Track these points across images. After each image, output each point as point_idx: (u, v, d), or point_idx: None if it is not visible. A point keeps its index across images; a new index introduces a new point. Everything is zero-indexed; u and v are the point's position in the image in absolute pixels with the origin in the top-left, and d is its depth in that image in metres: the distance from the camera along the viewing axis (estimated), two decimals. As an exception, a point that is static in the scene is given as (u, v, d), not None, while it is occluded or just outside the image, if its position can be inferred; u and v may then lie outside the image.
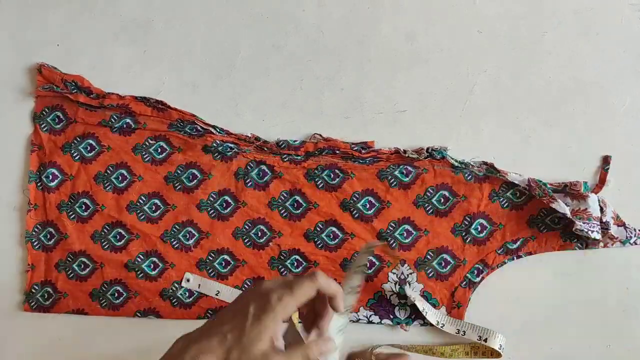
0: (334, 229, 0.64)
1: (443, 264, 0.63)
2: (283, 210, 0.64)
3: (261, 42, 0.67)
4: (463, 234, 0.63)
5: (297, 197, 0.64)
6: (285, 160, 0.65)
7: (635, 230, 0.61)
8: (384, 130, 0.65)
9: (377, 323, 0.63)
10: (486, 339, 0.59)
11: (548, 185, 0.60)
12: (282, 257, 0.64)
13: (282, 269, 0.64)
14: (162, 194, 0.66)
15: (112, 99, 0.66)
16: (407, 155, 0.63)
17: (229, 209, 0.65)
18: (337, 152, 0.64)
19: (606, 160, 0.62)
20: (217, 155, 0.65)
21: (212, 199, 0.65)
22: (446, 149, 0.63)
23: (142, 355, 0.65)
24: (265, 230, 0.64)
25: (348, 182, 0.64)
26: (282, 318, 0.40)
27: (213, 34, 0.67)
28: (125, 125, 0.66)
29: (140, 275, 0.65)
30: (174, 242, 0.65)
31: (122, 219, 0.66)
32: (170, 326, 0.65)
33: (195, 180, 0.65)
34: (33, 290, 0.66)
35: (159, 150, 0.66)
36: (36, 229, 0.66)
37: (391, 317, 0.63)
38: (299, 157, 0.65)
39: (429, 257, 0.63)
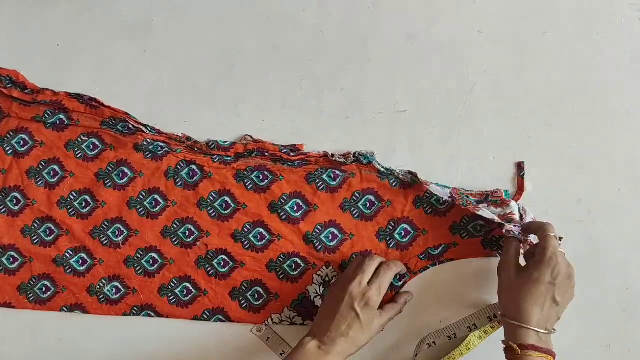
0: (261, 230, 0.64)
1: None
2: (212, 210, 0.65)
3: (261, 42, 0.67)
4: (387, 239, 0.63)
5: (226, 198, 0.65)
6: (215, 160, 0.65)
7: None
8: (384, 130, 0.65)
9: (300, 324, 0.64)
10: (495, 315, 0.60)
11: (470, 197, 0.61)
12: (209, 257, 0.65)
13: (209, 269, 0.65)
14: (92, 190, 0.66)
15: (46, 95, 0.66)
16: (334, 159, 0.64)
17: (158, 207, 0.65)
18: (266, 154, 0.64)
19: (520, 167, 0.63)
20: (148, 154, 0.65)
21: (141, 197, 0.65)
22: (373, 154, 0.63)
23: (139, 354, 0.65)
24: (193, 229, 0.65)
25: (277, 184, 0.64)
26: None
27: (213, 34, 0.67)
28: (58, 121, 0.66)
29: (69, 271, 0.66)
30: (103, 239, 0.66)
31: (53, 214, 0.66)
32: (165, 325, 0.65)
33: (125, 178, 0.66)
34: None
35: (91, 147, 0.66)
36: None
37: (314, 318, 0.63)
38: (229, 158, 0.65)
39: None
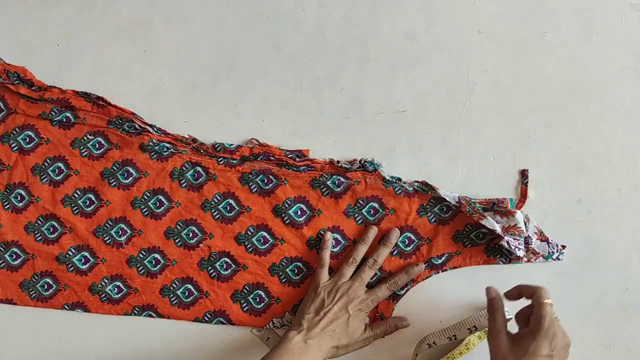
0: (264, 233, 0.64)
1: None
2: (216, 213, 0.65)
3: (261, 42, 0.67)
4: None
5: (231, 200, 0.64)
6: (220, 163, 0.65)
7: (557, 245, 0.61)
8: (384, 130, 0.65)
9: None
10: None
11: (477, 204, 0.61)
12: (212, 259, 0.65)
13: (212, 271, 0.65)
14: (97, 189, 0.66)
15: (53, 93, 0.66)
16: (340, 165, 0.63)
17: (162, 208, 0.65)
18: (272, 158, 0.64)
19: (524, 174, 0.62)
20: (154, 155, 0.65)
21: (146, 197, 0.65)
22: (380, 163, 0.63)
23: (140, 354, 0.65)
24: (196, 231, 0.65)
25: (281, 189, 0.64)
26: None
27: (213, 34, 0.67)
28: (65, 119, 0.66)
29: (71, 269, 0.66)
30: (106, 238, 0.66)
31: (57, 212, 0.66)
32: (166, 326, 0.65)
33: (130, 178, 0.66)
34: None
35: (97, 145, 0.66)
36: None
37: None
38: (234, 161, 0.65)
39: None
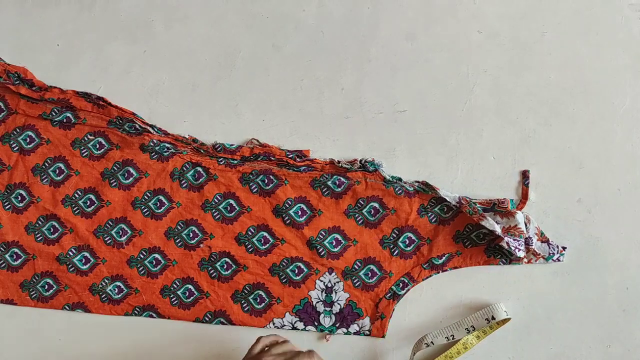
0: (265, 233, 0.64)
1: (370, 275, 0.63)
2: (216, 213, 0.65)
3: (261, 42, 0.67)
4: (391, 247, 0.63)
5: (231, 201, 0.64)
6: (221, 163, 0.65)
7: (557, 247, 0.61)
8: (384, 130, 0.65)
9: (302, 329, 0.63)
10: (493, 316, 0.60)
11: (477, 204, 0.61)
12: (213, 259, 0.65)
13: (212, 271, 0.65)
14: (97, 189, 0.66)
15: (53, 93, 0.66)
16: (340, 165, 0.63)
17: (162, 208, 0.65)
18: (273, 158, 0.64)
19: (525, 175, 0.62)
20: (154, 155, 0.65)
21: (146, 198, 0.65)
22: (380, 163, 0.63)
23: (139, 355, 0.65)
24: (197, 231, 0.65)
25: (282, 189, 0.64)
26: None
27: (213, 34, 0.67)
28: (65, 119, 0.66)
29: (72, 269, 0.66)
30: (107, 238, 0.66)
31: (57, 212, 0.66)
32: (166, 326, 0.65)
33: (131, 178, 0.66)
34: None
35: (98, 146, 0.66)
36: None
37: (316, 324, 0.63)
38: (235, 161, 0.65)
39: (356, 267, 0.63)
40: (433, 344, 0.60)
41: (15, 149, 0.67)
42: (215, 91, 0.67)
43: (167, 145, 0.65)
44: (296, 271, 0.64)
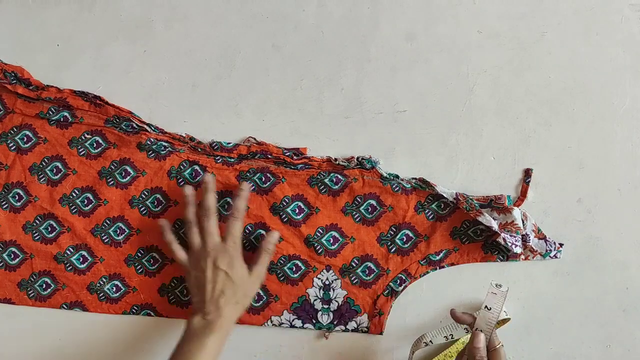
0: (262, 232, 0.64)
1: (367, 272, 0.63)
2: None
3: (261, 42, 0.67)
4: (388, 244, 0.63)
5: (228, 199, 0.64)
6: (218, 161, 0.65)
7: (554, 243, 0.61)
8: (384, 130, 0.65)
9: (300, 327, 0.64)
10: None
11: (474, 201, 0.61)
12: None
13: None
14: (95, 188, 0.66)
15: (50, 92, 0.66)
16: (337, 163, 0.64)
17: (160, 207, 0.65)
18: (270, 156, 0.64)
19: (527, 173, 0.63)
20: (151, 154, 0.65)
21: (144, 196, 0.65)
22: (378, 160, 0.63)
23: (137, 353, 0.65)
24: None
25: (279, 187, 0.64)
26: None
27: (213, 34, 0.67)
28: (62, 119, 0.66)
29: (69, 268, 0.66)
30: (104, 237, 0.66)
31: (54, 211, 0.66)
32: (164, 325, 0.65)
33: (128, 177, 0.66)
34: None
35: (95, 145, 0.66)
36: None
37: (314, 322, 0.63)
38: (232, 160, 0.65)
39: (354, 264, 0.63)
40: (432, 342, 0.60)
41: (12, 149, 0.67)
42: (215, 91, 0.67)
43: (164, 143, 0.65)
44: (294, 269, 0.64)
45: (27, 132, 0.67)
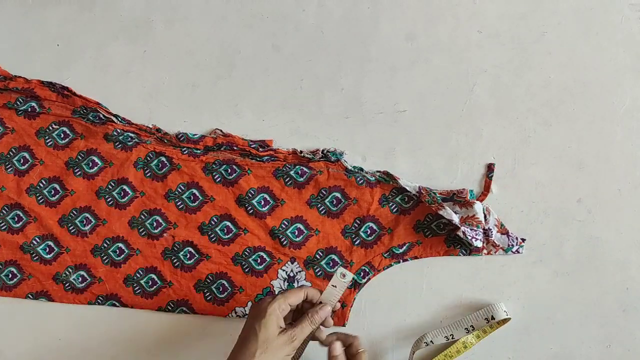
0: (228, 223, 0.64)
1: (331, 264, 0.64)
2: (179, 202, 0.65)
3: (261, 42, 0.67)
4: (352, 236, 0.64)
5: (194, 190, 0.65)
6: (184, 153, 0.65)
7: (517, 238, 0.62)
8: (384, 130, 0.65)
9: None
10: (492, 316, 0.60)
11: (437, 194, 0.61)
12: (176, 249, 0.65)
13: (175, 260, 0.65)
14: (62, 178, 0.66)
15: (18, 82, 0.66)
16: (303, 155, 0.64)
17: (126, 198, 0.66)
18: (235, 148, 0.65)
19: (490, 168, 0.63)
20: (118, 145, 0.66)
21: (110, 187, 0.66)
22: (342, 152, 0.63)
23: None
24: (160, 220, 0.65)
25: (244, 178, 0.64)
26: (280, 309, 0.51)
27: (213, 34, 0.67)
28: (30, 109, 0.66)
29: (36, 258, 0.66)
30: (71, 227, 0.66)
31: (21, 202, 0.66)
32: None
33: (95, 168, 0.66)
34: None
35: (62, 135, 0.66)
36: None
37: None
38: (198, 151, 0.65)
39: (318, 256, 0.64)
40: (432, 343, 0.60)
41: None
42: (215, 91, 0.67)
43: (131, 134, 0.65)
44: (259, 260, 0.64)
45: None
